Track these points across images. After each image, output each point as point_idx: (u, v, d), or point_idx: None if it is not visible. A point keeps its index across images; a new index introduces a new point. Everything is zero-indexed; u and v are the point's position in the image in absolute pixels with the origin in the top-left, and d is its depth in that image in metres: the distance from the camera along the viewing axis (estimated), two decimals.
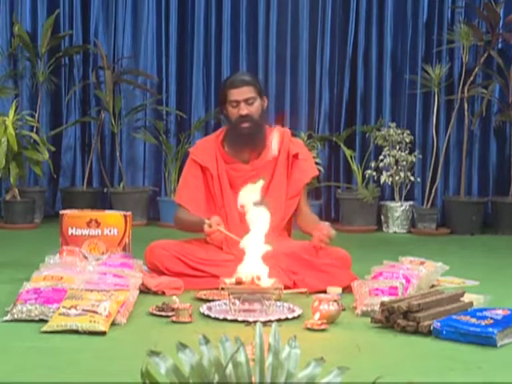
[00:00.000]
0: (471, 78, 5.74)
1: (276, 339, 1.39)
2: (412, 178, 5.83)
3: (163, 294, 3.34)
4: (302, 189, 3.74)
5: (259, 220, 3.16)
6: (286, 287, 3.30)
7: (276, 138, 3.62)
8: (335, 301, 2.90)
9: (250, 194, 3.25)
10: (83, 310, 2.73)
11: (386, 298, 2.96)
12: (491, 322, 2.65)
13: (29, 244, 5.04)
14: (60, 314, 2.73)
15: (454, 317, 2.72)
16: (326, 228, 3.48)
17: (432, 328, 2.69)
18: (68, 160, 6.28)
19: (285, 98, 6.14)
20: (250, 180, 3.55)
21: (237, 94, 3.62)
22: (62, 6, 6.20)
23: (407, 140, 5.80)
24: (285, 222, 3.71)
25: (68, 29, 6.23)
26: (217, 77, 6.17)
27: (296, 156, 3.72)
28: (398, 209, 5.80)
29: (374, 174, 5.83)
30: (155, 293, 3.34)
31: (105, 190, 6.16)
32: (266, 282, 3.06)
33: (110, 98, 6.00)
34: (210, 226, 3.43)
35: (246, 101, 3.61)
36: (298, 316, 2.96)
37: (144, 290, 3.33)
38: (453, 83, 5.96)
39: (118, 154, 6.12)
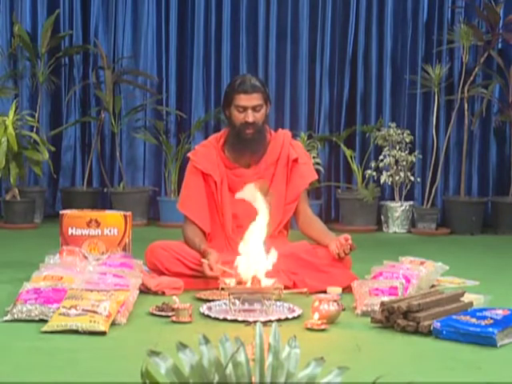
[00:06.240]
0: (471, 78, 5.74)
1: (276, 339, 1.39)
2: (412, 178, 5.83)
3: (163, 294, 3.34)
4: (300, 194, 3.71)
5: (257, 223, 3.17)
6: (286, 287, 3.30)
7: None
8: (335, 301, 2.90)
9: (250, 191, 3.24)
10: (83, 310, 2.73)
11: (385, 298, 2.96)
12: (491, 322, 2.65)
13: (29, 244, 5.04)
14: (60, 314, 2.73)
15: (454, 317, 2.72)
16: (346, 237, 3.48)
17: (432, 328, 2.69)
18: (68, 160, 6.28)
19: (285, 97, 6.13)
20: None
21: (246, 100, 3.55)
22: (62, 5, 6.20)
23: (407, 140, 5.80)
24: (281, 226, 3.70)
25: (68, 29, 6.23)
26: (217, 77, 6.17)
27: (296, 160, 3.68)
28: (398, 209, 5.79)
29: (374, 174, 5.83)
30: (155, 293, 3.34)
31: (105, 189, 6.16)
32: (266, 282, 3.06)
33: (110, 97, 6.00)
34: (211, 268, 3.35)
35: (254, 108, 3.56)
36: (298, 316, 2.96)
37: (144, 290, 3.33)
38: (453, 83, 5.96)
39: (118, 154, 6.12)
